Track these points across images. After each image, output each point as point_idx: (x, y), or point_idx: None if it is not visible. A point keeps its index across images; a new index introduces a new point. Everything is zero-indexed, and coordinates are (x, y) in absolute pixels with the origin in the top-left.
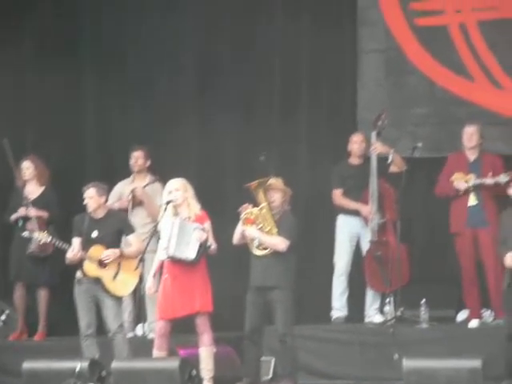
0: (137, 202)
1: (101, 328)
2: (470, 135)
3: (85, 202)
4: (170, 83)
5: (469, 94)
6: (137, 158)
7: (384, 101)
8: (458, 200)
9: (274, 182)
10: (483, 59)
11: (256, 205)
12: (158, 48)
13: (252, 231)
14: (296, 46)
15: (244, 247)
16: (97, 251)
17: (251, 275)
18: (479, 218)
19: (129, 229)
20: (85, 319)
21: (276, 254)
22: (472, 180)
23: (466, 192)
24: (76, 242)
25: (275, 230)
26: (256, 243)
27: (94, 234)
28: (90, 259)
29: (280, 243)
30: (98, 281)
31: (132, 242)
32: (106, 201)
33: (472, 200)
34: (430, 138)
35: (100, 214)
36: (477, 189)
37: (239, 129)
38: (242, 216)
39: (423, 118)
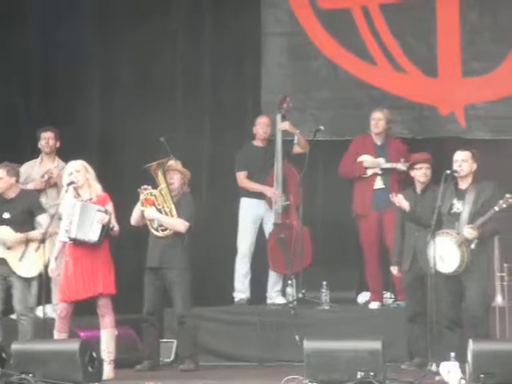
0: (51, 184)
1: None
2: (376, 121)
3: None
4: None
5: (372, 77)
6: (48, 138)
7: (287, 84)
8: (363, 182)
9: (173, 163)
10: (386, 43)
11: (155, 186)
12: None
13: (152, 212)
14: (199, 28)
15: (144, 229)
16: (2, 233)
17: (148, 256)
18: (385, 200)
19: (39, 209)
20: None
21: (175, 235)
22: (382, 164)
23: (374, 175)
24: None
25: (175, 212)
26: (155, 224)
27: (6, 215)
28: None
29: (179, 224)
30: (6, 262)
31: (42, 223)
32: (17, 181)
33: (379, 183)
34: (332, 121)
35: (11, 195)
36: (385, 173)
37: (141, 109)
38: (142, 197)
39: (326, 101)
